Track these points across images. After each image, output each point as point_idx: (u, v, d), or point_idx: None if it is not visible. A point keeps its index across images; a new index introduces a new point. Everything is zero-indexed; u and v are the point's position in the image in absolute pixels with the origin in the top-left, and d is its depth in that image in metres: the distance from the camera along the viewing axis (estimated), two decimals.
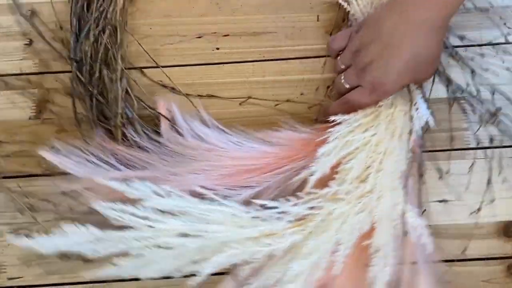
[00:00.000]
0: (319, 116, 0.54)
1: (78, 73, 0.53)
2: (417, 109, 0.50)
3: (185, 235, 0.45)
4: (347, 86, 0.51)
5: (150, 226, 0.45)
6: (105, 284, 0.50)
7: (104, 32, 0.54)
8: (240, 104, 0.55)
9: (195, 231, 0.45)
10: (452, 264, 0.48)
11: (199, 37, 0.57)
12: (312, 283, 0.45)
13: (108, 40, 0.54)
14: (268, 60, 0.56)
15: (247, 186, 0.49)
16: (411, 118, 0.50)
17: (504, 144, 0.52)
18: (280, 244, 0.45)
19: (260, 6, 0.58)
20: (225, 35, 0.57)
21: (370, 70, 0.48)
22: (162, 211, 0.45)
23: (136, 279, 0.50)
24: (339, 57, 0.53)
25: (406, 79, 0.48)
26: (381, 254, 0.45)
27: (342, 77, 0.51)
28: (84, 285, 0.51)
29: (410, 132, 0.49)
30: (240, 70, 0.56)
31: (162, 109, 0.52)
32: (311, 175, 0.48)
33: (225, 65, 0.56)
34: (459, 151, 0.53)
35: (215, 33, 0.57)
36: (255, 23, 0.57)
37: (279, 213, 0.47)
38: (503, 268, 0.50)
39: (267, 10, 0.57)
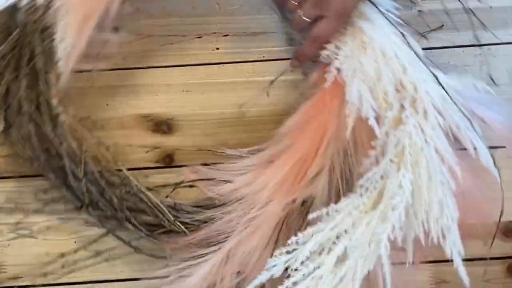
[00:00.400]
0: (293, 63, 0.55)
1: (97, 213, 0.50)
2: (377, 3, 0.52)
3: (343, 255, 0.45)
4: (309, 20, 0.51)
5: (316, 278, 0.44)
6: (104, 284, 0.50)
7: (86, 165, 0.50)
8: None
9: (346, 246, 0.45)
10: (452, 264, 0.48)
11: (199, 37, 0.57)
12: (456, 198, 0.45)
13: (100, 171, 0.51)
14: (268, 60, 0.56)
15: (317, 174, 0.49)
16: (381, 12, 0.51)
17: (493, 145, 0.52)
18: (406, 193, 0.45)
19: (260, 6, 0.58)
20: (225, 35, 0.57)
21: None
22: (308, 257, 0.45)
23: (137, 279, 0.50)
24: None
25: None
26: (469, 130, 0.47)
27: (301, 13, 0.51)
28: (84, 285, 0.51)
29: (393, 23, 0.51)
30: (240, 70, 0.56)
31: (191, 176, 0.52)
32: (364, 120, 0.48)
33: (225, 65, 0.56)
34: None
35: (215, 33, 0.57)
36: (255, 23, 0.57)
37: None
38: (503, 268, 0.50)
39: (267, 10, 0.57)
